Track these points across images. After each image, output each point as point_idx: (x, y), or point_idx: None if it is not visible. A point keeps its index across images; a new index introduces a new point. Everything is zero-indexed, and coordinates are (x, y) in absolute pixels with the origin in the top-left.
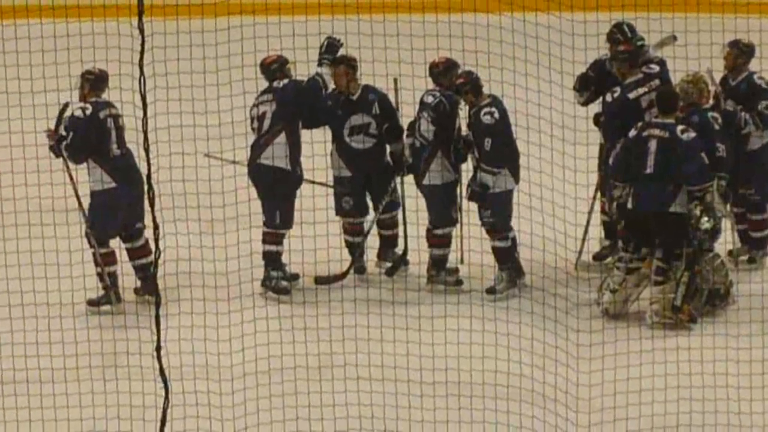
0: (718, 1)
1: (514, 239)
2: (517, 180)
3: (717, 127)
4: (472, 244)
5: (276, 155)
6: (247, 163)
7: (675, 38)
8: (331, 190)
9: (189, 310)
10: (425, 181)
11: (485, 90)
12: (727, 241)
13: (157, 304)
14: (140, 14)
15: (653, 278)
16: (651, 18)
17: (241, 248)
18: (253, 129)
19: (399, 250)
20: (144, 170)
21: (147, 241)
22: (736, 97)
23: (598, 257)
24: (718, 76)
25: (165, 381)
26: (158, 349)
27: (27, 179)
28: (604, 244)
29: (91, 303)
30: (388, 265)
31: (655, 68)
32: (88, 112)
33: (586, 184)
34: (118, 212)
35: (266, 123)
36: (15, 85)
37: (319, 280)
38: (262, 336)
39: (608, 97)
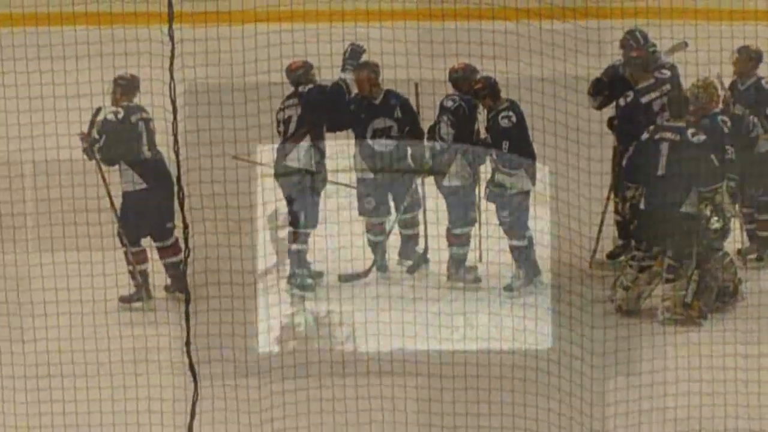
0: (727, 9)
1: (530, 238)
2: (533, 181)
3: (726, 130)
4: (490, 243)
5: (301, 157)
6: (274, 165)
7: (686, 44)
8: (354, 191)
9: (217, 306)
10: (445, 182)
11: (503, 94)
12: (736, 240)
13: (187, 301)
14: (170, 21)
15: (665, 276)
16: (663, 25)
17: (267, 247)
18: (279, 132)
19: (420, 248)
20: (174, 172)
21: (177, 240)
22: (744, 101)
23: (611, 256)
24: (727, 81)
25: (194, 375)
26: (187, 344)
27: (62, 180)
28: (617, 243)
29: (123, 300)
30: (409, 263)
31: (667, 73)
32: (120, 115)
33: (600, 185)
34: (149, 212)
35: (292, 126)
36: (50, 89)
37: (343, 278)
38: (287, 331)
39: (621, 102)
